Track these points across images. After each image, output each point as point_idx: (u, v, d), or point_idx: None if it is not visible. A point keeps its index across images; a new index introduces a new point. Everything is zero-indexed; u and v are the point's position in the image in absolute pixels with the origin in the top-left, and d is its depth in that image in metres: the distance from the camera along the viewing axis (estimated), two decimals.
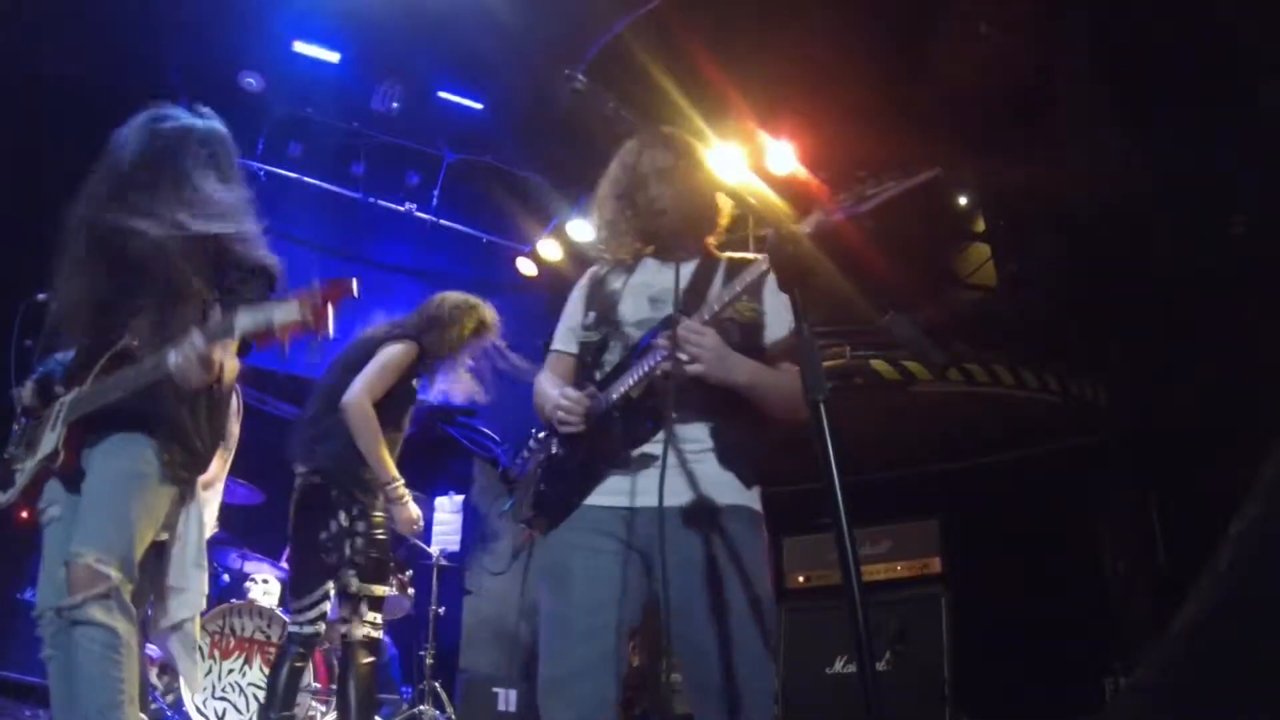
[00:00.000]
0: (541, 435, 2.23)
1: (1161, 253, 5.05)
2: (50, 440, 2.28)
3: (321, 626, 3.38)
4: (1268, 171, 4.51)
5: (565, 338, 2.22)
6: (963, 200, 6.16)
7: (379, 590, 3.29)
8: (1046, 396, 5.21)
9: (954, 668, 4.34)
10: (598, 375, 2.07)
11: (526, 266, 7.20)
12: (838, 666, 4.54)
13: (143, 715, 2.43)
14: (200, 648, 2.55)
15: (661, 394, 1.95)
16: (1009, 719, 4.58)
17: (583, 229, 6.78)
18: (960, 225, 6.16)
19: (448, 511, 6.34)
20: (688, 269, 2.09)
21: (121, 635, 2.10)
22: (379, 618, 3.31)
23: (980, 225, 6.15)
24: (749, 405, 1.97)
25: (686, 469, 1.96)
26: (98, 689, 2.06)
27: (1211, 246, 4.89)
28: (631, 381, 1.95)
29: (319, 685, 4.62)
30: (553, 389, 2.09)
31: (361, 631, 3.24)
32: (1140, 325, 5.20)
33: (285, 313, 2.02)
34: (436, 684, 4.71)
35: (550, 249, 6.96)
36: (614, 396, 1.98)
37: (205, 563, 2.52)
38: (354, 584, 3.24)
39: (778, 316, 2.05)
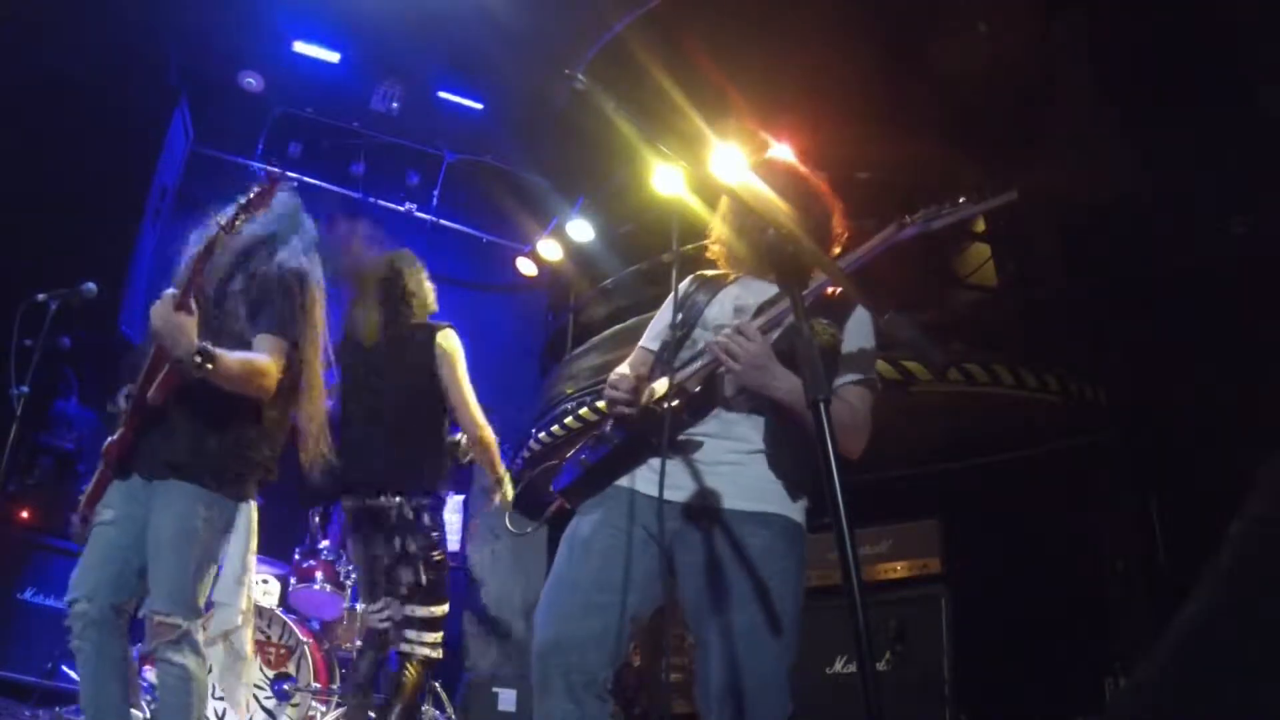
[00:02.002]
0: (543, 435, 2.26)
1: (1161, 253, 5.05)
2: (116, 434, 2.60)
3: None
4: (1268, 172, 4.51)
5: (651, 336, 2.26)
6: (962, 199, 6.14)
7: (438, 611, 3.35)
8: (1046, 396, 5.20)
9: (954, 668, 4.33)
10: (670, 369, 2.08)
11: (526, 266, 7.20)
12: (838, 666, 4.54)
13: (136, 713, 2.65)
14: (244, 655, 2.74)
15: (717, 391, 1.97)
16: (1009, 719, 4.57)
17: (582, 229, 6.80)
18: (960, 225, 6.15)
19: (448, 511, 6.33)
20: (775, 287, 2.11)
21: (191, 670, 2.46)
22: (438, 637, 3.36)
23: (980, 225, 6.15)
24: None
25: (726, 470, 1.97)
26: (174, 713, 2.43)
27: (1211, 246, 4.89)
28: (686, 374, 1.96)
29: (319, 685, 4.62)
30: (617, 371, 2.13)
31: (421, 652, 3.30)
32: (1140, 325, 5.20)
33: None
34: (437, 684, 4.70)
35: (550, 249, 6.96)
36: (670, 383, 1.99)
37: (248, 580, 2.69)
38: (412, 609, 3.32)
39: (855, 346, 2.06)
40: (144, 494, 2.53)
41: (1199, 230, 4.95)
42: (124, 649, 2.52)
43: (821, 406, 1.37)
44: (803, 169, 2.27)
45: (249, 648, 2.72)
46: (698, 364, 1.95)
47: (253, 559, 2.70)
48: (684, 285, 2.29)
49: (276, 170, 2.57)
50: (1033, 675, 4.67)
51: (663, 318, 2.27)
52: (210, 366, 2.34)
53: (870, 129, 5.63)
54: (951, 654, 4.36)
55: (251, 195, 2.48)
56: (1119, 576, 5.16)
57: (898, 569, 4.82)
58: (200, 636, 2.51)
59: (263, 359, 2.49)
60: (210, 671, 2.66)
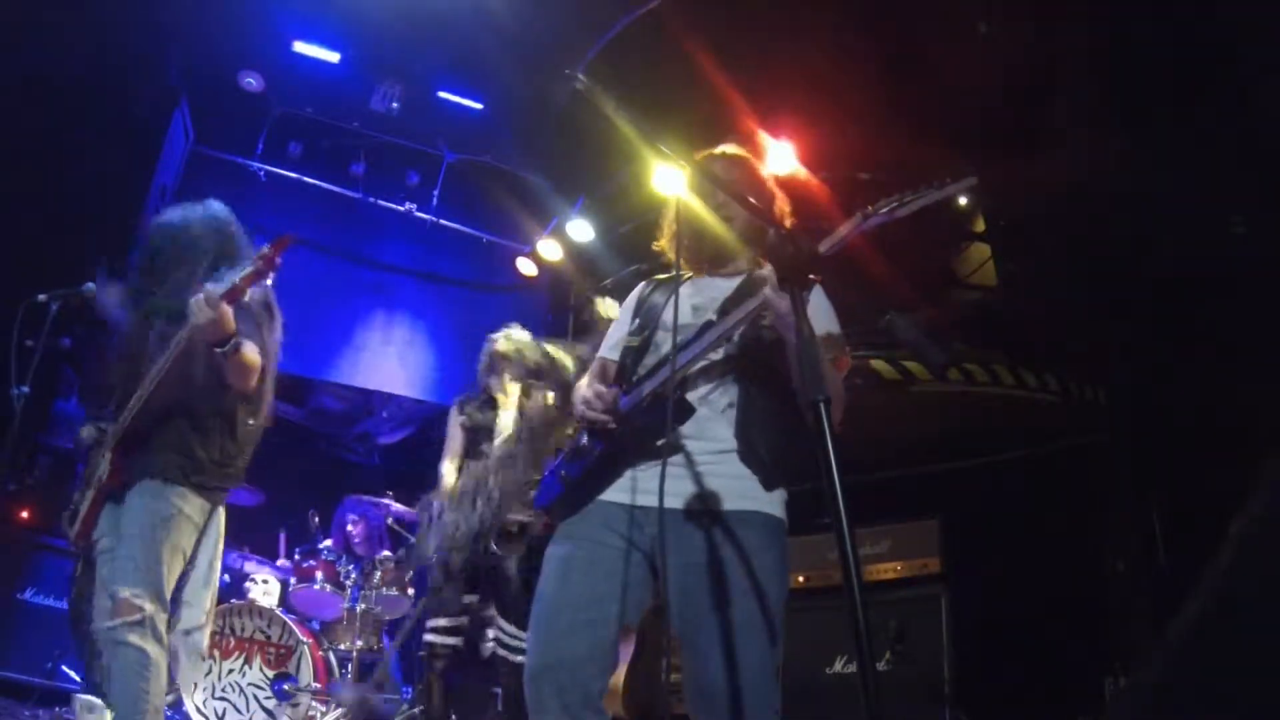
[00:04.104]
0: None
1: (1161, 253, 5.04)
2: (103, 465, 2.72)
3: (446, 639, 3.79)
4: (1267, 171, 4.51)
5: (611, 346, 2.26)
6: (963, 200, 6.15)
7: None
8: (1046, 396, 5.20)
9: (954, 668, 4.33)
10: (634, 377, 2.08)
11: (526, 266, 7.20)
12: (838, 666, 4.54)
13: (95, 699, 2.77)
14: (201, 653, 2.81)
15: (688, 388, 1.98)
16: (1009, 719, 4.57)
17: (582, 229, 6.80)
18: (960, 225, 6.16)
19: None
20: (734, 281, 2.13)
21: (152, 657, 2.49)
22: (489, 633, 3.82)
23: (980, 225, 6.15)
24: (778, 406, 1.97)
25: (702, 470, 1.96)
26: (128, 701, 2.45)
27: (1211, 246, 4.89)
28: (660, 383, 1.95)
29: (319, 685, 4.62)
30: (586, 387, 2.12)
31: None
32: (1140, 325, 5.20)
33: (243, 272, 2.59)
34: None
35: (550, 249, 6.96)
36: (645, 392, 1.98)
37: (214, 582, 2.82)
38: None
39: (819, 324, 2.07)
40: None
41: (1199, 230, 4.94)
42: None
43: (821, 407, 1.37)
44: (751, 162, 2.28)
45: (206, 646, 2.85)
46: (698, 346, 1.94)
47: (219, 562, 2.84)
48: (637, 292, 2.31)
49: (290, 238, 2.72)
50: (1033, 675, 4.67)
51: (620, 327, 2.27)
52: (237, 344, 2.59)
53: (870, 129, 5.63)
54: (951, 654, 4.36)
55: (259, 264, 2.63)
56: (1119, 577, 5.16)
57: (897, 569, 4.82)
58: (164, 628, 2.57)
59: (257, 359, 2.71)
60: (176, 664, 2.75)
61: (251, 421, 2.82)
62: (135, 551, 2.56)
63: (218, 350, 2.56)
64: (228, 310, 2.54)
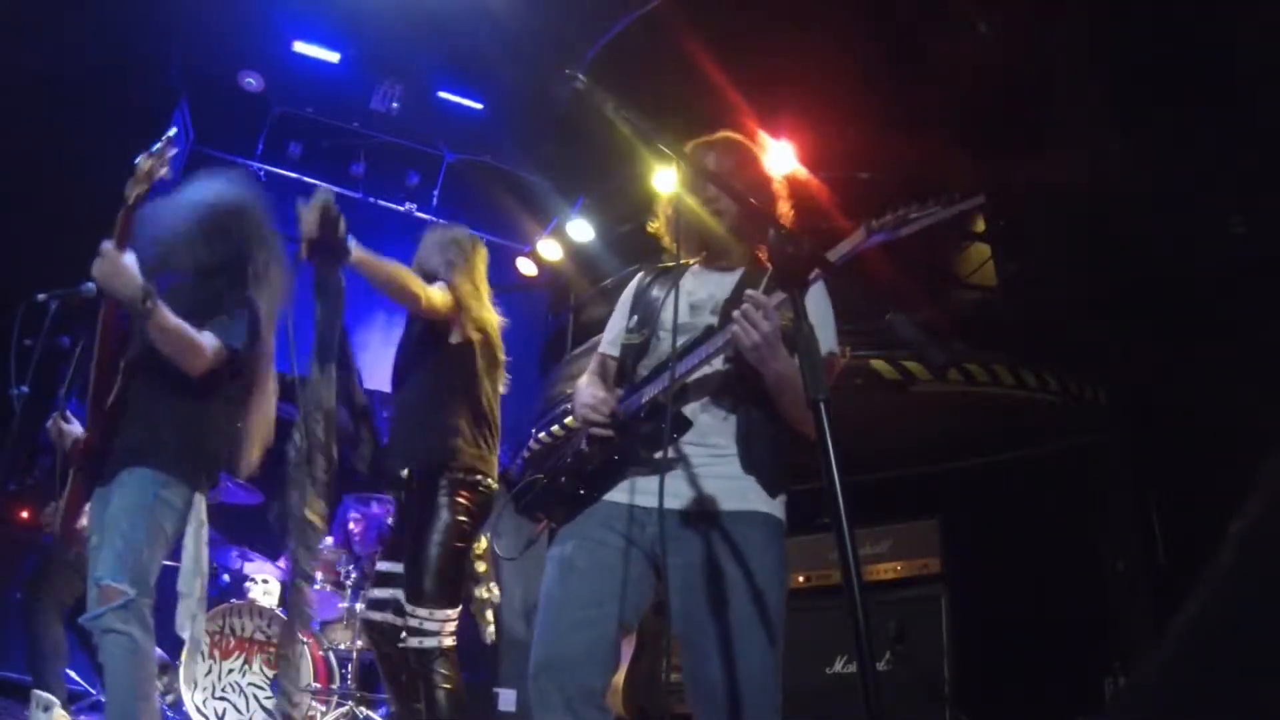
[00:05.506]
0: (542, 435, 2.25)
1: (1161, 253, 5.05)
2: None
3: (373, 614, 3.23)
4: (1267, 172, 4.52)
5: (610, 341, 2.24)
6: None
7: None
8: (1046, 396, 5.20)
9: (954, 668, 4.34)
10: (636, 379, 2.08)
11: (526, 266, 7.20)
12: (838, 666, 4.54)
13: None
14: (202, 649, 2.79)
15: (688, 398, 1.97)
16: (1009, 719, 4.58)
17: (582, 229, 6.80)
18: (960, 225, 6.16)
19: None
20: (733, 277, 2.11)
21: (138, 641, 2.47)
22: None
23: (980, 225, 6.15)
24: (776, 415, 1.96)
25: (703, 472, 1.96)
26: (120, 687, 2.44)
27: (1211, 246, 4.90)
28: (659, 390, 1.94)
29: (319, 685, 4.62)
30: (587, 388, 2.11)
31: None
32: (1140, 325, 5.20)
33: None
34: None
35: (550, 249, 6.96)
36: (644, 399, 1.98)
37: (203, 570, 2.78)
38: None
39: (818, 329, 2.06)
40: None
41: (1199, 230, 4.95)
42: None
43: (822, 407, 1.36)
44: (748, 149, 2.23)
45: (203, 633, 2.85)
46: (696, 356, 1.93)
47: (205, 550, 2.79)
48: (635, 282, 2.27)
49: (173, 132, 2.77)
50: (1033, 675, 4.67)
51: (618, 321, 2.24)
52: (151, 306, 2.50)
53: (870, 129, 5.63)
54: (951, 654, 4.37)
55: (150, 154, 2.71)
56: (1119, 576, 5.16)
57: (897, 569, 4.82)
58: (149, 614, 2.53)
59: (202, 339, 2.63)
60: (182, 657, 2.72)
61: (204, 403, 2.72)
62: (115, 539, 2.53)
63: (138, 310, 2.50)
64: (119, 258, 2.50)
